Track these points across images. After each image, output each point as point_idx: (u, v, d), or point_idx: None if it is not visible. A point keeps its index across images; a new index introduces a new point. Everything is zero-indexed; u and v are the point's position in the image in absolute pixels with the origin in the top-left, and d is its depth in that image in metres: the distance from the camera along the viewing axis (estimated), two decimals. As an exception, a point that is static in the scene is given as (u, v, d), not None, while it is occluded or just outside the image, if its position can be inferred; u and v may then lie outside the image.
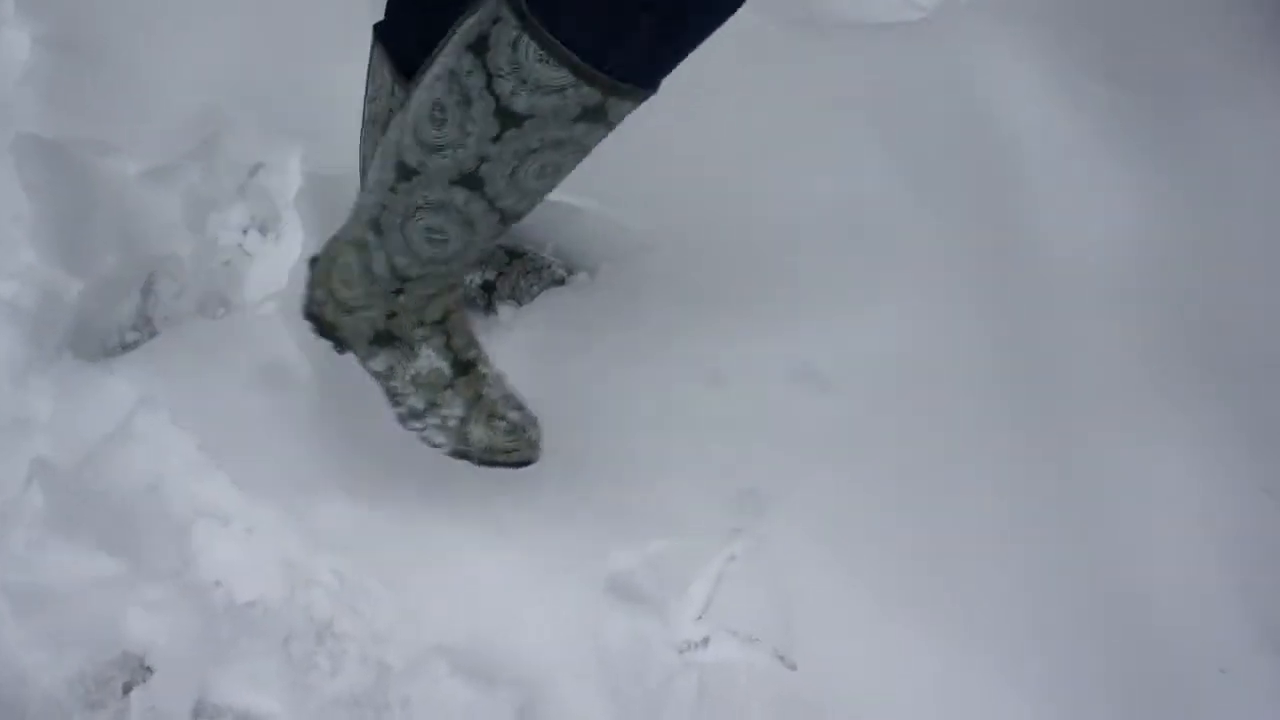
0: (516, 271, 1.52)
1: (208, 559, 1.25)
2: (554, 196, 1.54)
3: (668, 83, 0.88)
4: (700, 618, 1.24)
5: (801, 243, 1.50)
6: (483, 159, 0.90)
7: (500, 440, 1.13)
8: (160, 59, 1.54)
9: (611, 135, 0.91)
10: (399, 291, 1.04)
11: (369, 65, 1.20)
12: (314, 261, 1.11)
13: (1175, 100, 1.42)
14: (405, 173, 0.95)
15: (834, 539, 1.24)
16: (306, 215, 1.53)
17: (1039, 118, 1.45)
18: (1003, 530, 1.24)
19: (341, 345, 1.12)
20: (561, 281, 1.52)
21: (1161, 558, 1.21)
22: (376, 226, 1.00)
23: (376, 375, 1.12)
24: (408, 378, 1.10)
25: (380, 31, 1.16)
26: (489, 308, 1.50)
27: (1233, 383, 1.35)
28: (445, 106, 0.90)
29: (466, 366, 1.11)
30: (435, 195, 0.94)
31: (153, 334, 1.45)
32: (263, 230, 1.58)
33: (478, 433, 1.12)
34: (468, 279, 1.45)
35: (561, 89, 0.85)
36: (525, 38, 0.84)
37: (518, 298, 1.51)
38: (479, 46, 0.87)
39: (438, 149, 0.92)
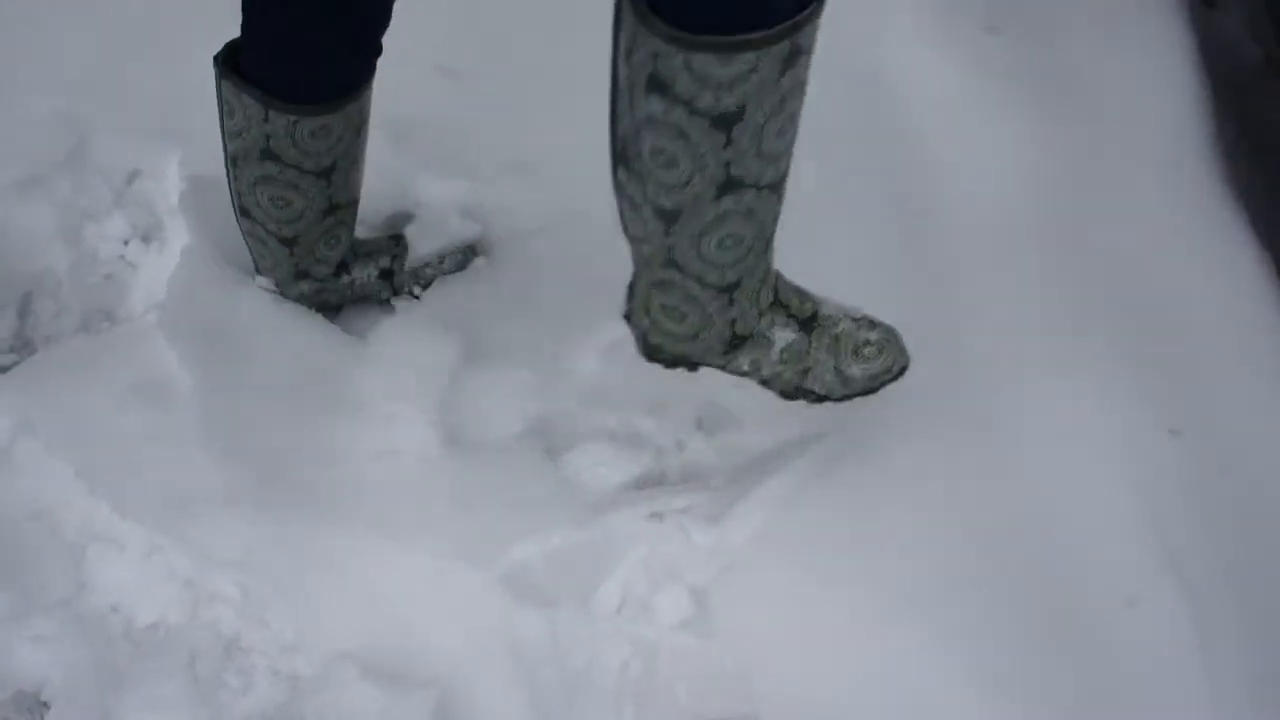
0: (413, 258, 1.49)
1: (101, 585, 1.21)
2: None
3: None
4: (618, 606, 1.22)
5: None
6: (727, 164, 0.90)
7: (876, 366, 1.14)
8: (14, 63, 1.46)
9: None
10: (731, 301, 1.03)
11: (220, 100, 1.19)
12: (629, 317, 1.16)
13: (1052, 45, 1.43)
14: (669, 217, 0.96)
15: (749, 513, 1.22)
16: (191, 220, 1.48)
17: (924, 66, 1.44)
18: (910, 472, 1.23)
19: (695, 367, 1.15)
20: (461, 267, 1.50)
21: (1067, 495, 1.20)
22: (674, 264, 1.01)
23: (743, 375, 1.14)
24: (773, 363, 1.11)
25: (233, 65, 1.15)
26: (387, 301, 1.47)
27: (1134, 320, 1.35)
28: (665, 150, 0.91)
29: (810, 321, 1.11)
30: (708, 215, 0.94)
31: (31, 354, 1.39)
32: (145, 239, 1.52)
33: (854, 370, 1.13)
34: (365, 273, 1.43)
35: (753, 68, 0.84)
36: (692, 55, 0.84)
37: (419, 283, 1.48)
38: (658, 86, 0.87)
39: (684, 184, 0.92)
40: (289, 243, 1.29)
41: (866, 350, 1.14)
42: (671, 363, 1.15)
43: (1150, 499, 1.21)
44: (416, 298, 1.47)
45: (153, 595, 1.22)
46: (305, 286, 1.38)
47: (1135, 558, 1.17)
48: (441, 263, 1.50)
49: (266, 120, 1.16)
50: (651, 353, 1.16)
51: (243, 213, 1.29)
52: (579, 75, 1.57)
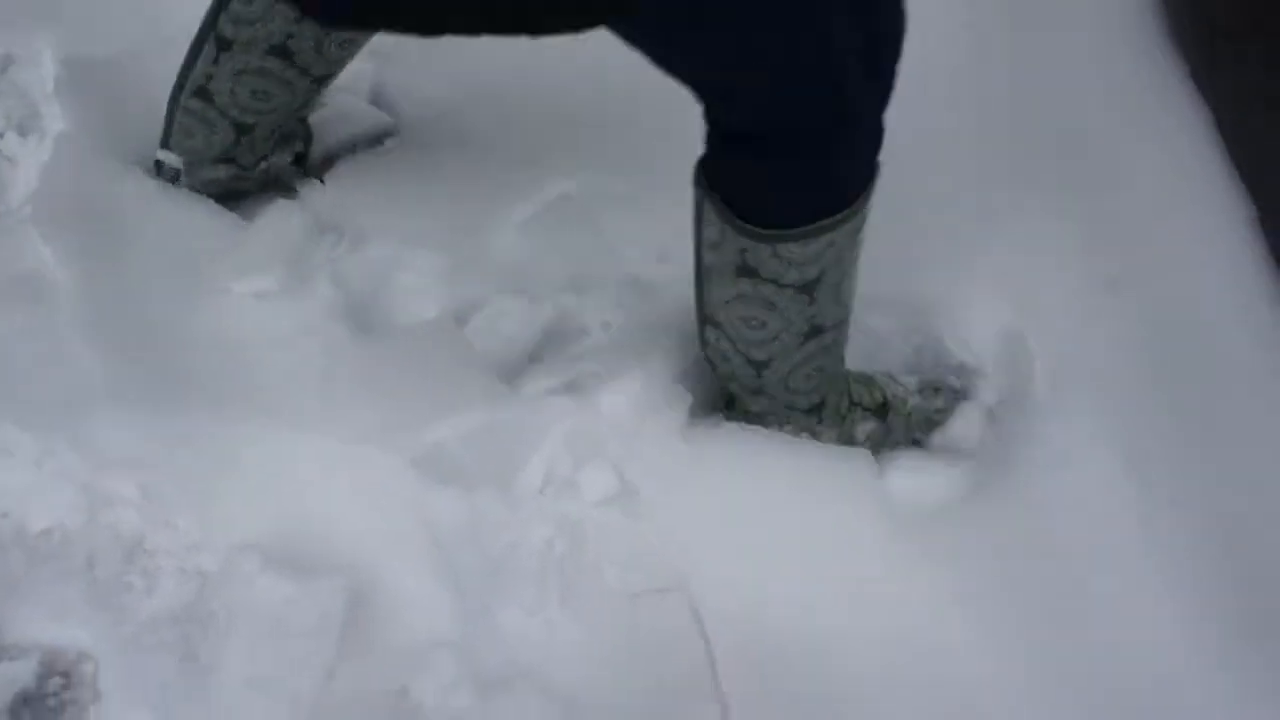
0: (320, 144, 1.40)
1: (-12, 492, 1.13)
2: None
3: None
4: (541, 485, 1.17)
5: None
6: (811, 318, 1.02)
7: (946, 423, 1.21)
8: None
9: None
10: (820, 419, 1.15)
11: None
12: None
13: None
14: (760, 365, 1.08)
15: (674, 388, 1.18)
16: (69, 107, 1.37)
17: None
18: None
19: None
20: (378, 143, 1.42)
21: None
22: (764, 394, 1.12)
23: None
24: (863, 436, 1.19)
25: None
26: (292, 188, 1.38)
27: (1071, 173, 1.29)
28: (755, 317, 1.02)
29: (883, 408, 1.19)
30: (795, 359, 1.06)
31: (-99, 257, 1.29)
32: (21, 131, 1.41)
33: (933, 437, 1.21)
34: (280, 158, 1.34)
35: (831, 242, 0.95)
36: (778, 246, 0.94)
37: (327, 168, 1.39)
38: (746, 271, 0.98)
39: (773, 340, 1.04)
40: (245, 130, 1.24)
41: (937, 416, 1.21)
42: None
43: (1087, 353, 1.18)
44: (322, 182, 1.38)
45: (46, 500, 1.14)
46: (222, 171, 1.30)
47: (1072, 416, 1.14)
48: (352, 149, 1.41)
49: (299, 20, 1.11)
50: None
51: (199, 94, 1.21)
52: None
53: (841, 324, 1.06)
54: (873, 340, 1.27)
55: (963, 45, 1.35)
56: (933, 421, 1.20)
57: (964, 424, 1.17)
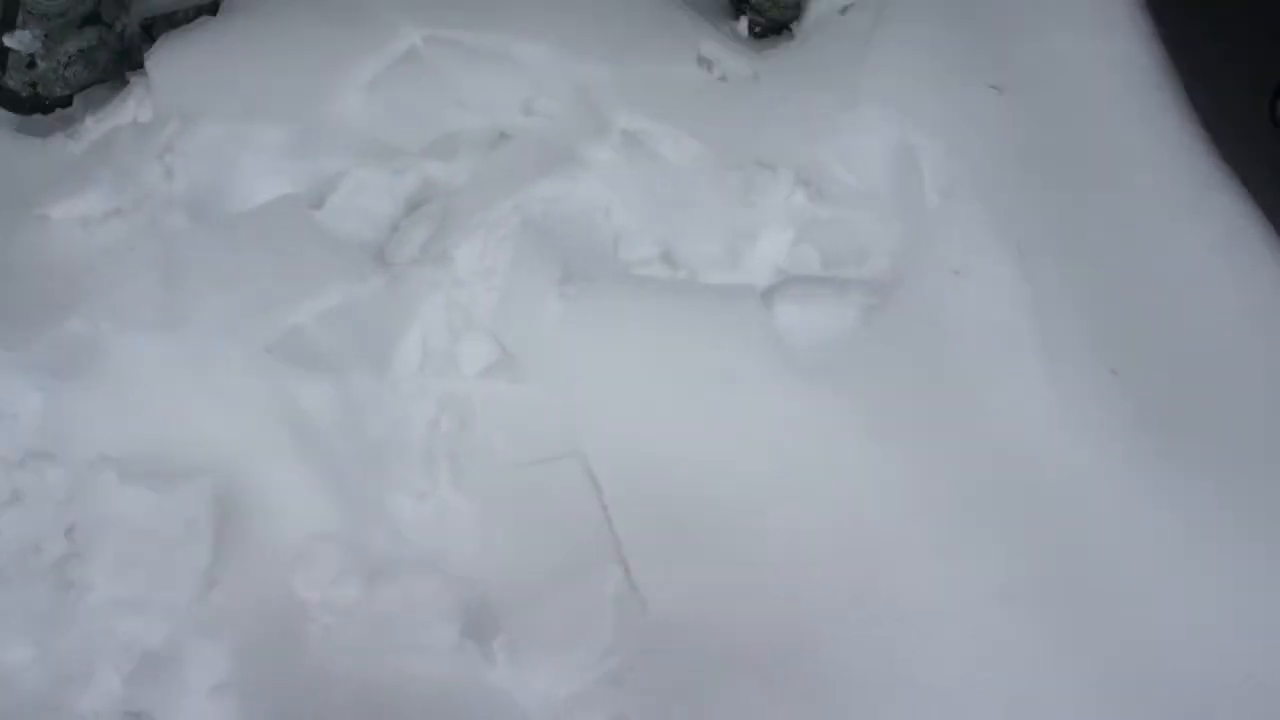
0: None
1: None
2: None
3: None
4: (420, 363, 1.11)
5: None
6: None
7: None
8: None
9: None
10: None
11: None
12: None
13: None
14: None
15: (535, 248, 1.10)
16: None
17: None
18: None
19: None
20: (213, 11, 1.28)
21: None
22: None
23: None
24: None
25: None
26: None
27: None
28: None
29: None
30: None
31: None
32: None
33: None
34: (131, 21, 1.24)
35: None
36: None
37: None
38: None
39: None
40: None
41: None
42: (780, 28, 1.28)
43: (974, 160, 1.11)
44: (142, 67, 1.25)
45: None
46: (90, 36, 1.19)
47: (962, 225, 1.09)
48: (175, 16, 1.27)
49: None
50: (756, 30, 1.27)
51: None
52: None
53: None
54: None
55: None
56: None
57: (859, 266, 1.10)
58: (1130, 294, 1.03)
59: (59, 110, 1.26)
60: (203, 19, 1.27)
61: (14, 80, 1.18)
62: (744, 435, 1.01)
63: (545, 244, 1.11)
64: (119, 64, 1.24)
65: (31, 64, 1.17)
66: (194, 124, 1.18)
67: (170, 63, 1.21)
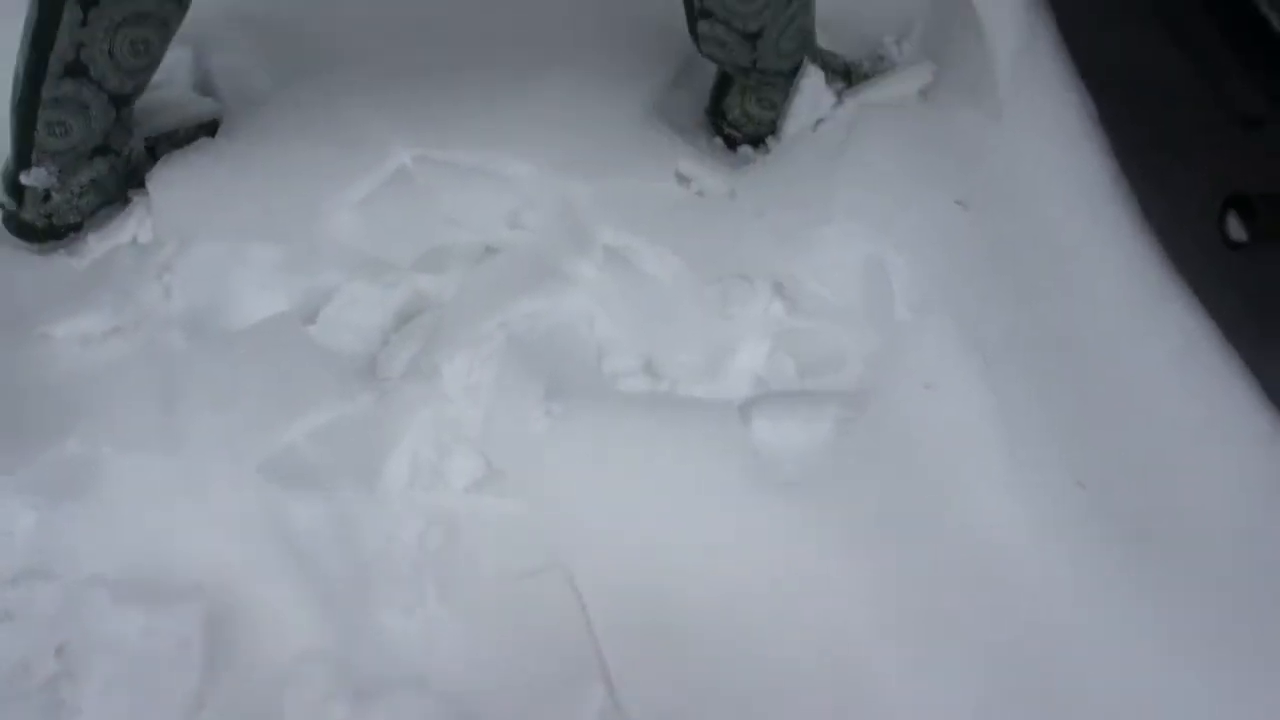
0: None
1: None
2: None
3: None
4: (409, 478, 1.13)
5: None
6: None
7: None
8: None
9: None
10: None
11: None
12: (721, 117, 1.35)
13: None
14: (753, 37, 1.21)
15: (521, 365, 1.14)
16: None
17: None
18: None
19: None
20: (208, 132, 1.35)
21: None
22: (759, 71, 1.26)
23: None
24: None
25: None
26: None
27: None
28: None
29: (848, 73, 1.34)
30: (782, 19, 1.21)
31: None
32: None
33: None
34: (136, 144, 1.29)
35: None
36: None
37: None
38: None
39: (764, 7, 1.19)
40: (123, 101, 1.20)
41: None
42: (756, 141, 1.36)
43: (943, 274, 1.16)
44: (143, 186, 1.30)
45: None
46: (100, 166, 1.23)
47: (932, 338, 1.13)
48: (176, 135, 1.34)
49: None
50: (732, 140, 1.37)
51: (70, 72, 1.13)
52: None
53: None
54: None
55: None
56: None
57: (834, 375, 1.14)
58: (1092, 406, 1.07)
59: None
60: (202, 139, 1.33)
61: (30, 214, 1.23)
62: (724, 549, 1.04)
63: (530, 360, 1.15)
64: (126, 185, 1.30)
65: (47, 197, 1.22)
66: (192, 243, 1.23)
67: (170, 184, 1.27)
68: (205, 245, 1.22)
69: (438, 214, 1.26)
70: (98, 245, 1.26)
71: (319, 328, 1.21)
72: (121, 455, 1.06)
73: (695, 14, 1.21)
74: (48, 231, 1.25)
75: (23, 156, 1.20)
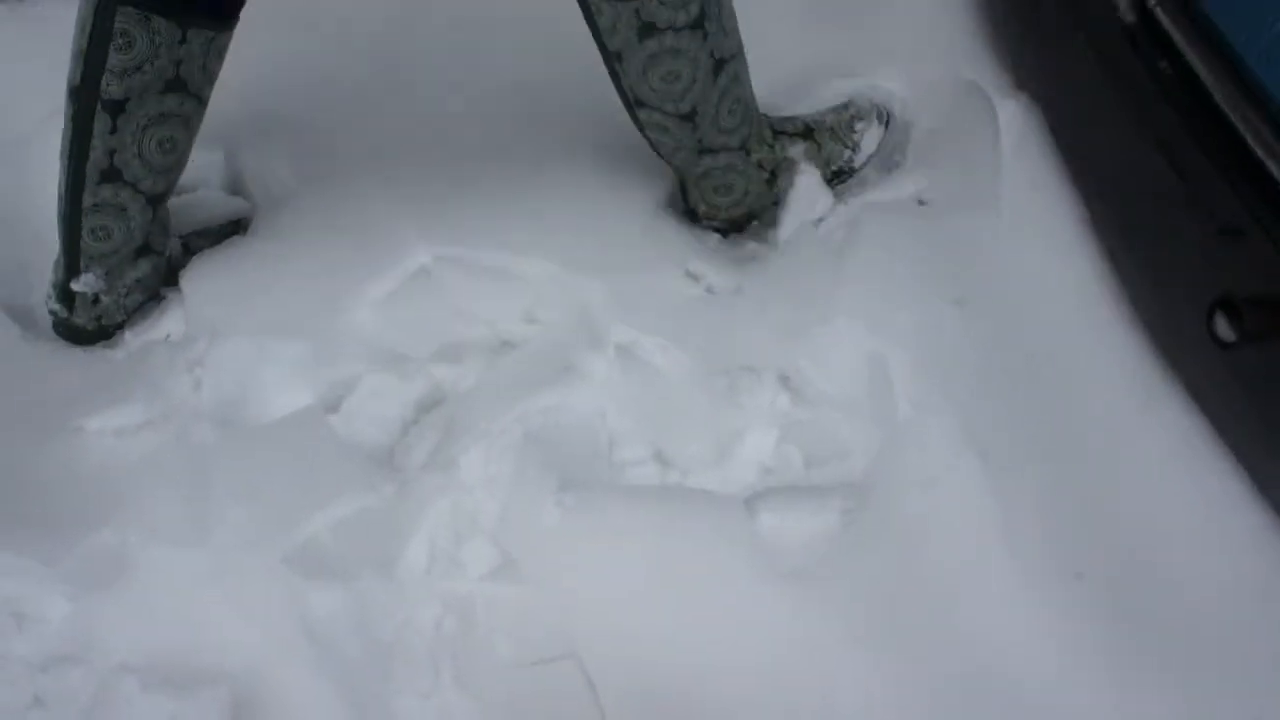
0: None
1: None
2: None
3: None
4: (426, 565, 1.17)
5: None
6: (710, 51, 1.18)
7: (870, 124, 1.41)
8: None
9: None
10: (749, 152, 1.30)
11: (103, 36, 1.10)
12: (693, 213, 1.39)
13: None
14: (689, 116, 1.23)
15: (536, 456, 1.18)
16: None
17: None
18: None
19: (750, 221, 1.38)
20: (238, 231, 1.42)
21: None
22: (708, 151, 1.27)
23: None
24: (808, 169, 1.36)
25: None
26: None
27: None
28: (670, 71, 1.17)
29: (808, 131, 1.38)
30: (714, 97, 1.22)
31: None
32: None
33: (859, 138, 1.40)
34: (173, 243, 1.36)
35: None
36: None
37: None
38: (647, 31, 1.14)
39: (691, 86, 1.20)
40: (158, 200, 1.26)
41: (857, 125, 1.40)
42: (739, 226, 1.39)
43: (943, 371, 1.20)
44: (177, 285, 1.37)
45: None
46: (144, 266, 1.30)
47: (932, 436, 1.17)
48: (210, 232, 1.41)
49: (184, 42, 1.13)
50: (722, 231, 1.40)
51: (106, 178, 1.19)
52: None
53: (738, 54, 1.23)
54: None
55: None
56: (854, 127, 1.39)
57: (838, 466, 1.19)
58: (1091, 503, 1.10)
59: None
60: (234, 237, 1.40)
61: (81, 318, 1.30)
62: (731, 640, 1.07)
63: (545, 452, 1.19)
64: (165, 282, 1.37)
65: (96, 300, 1.29)
66: (222, 339, 1.28)
67: (203, 283, 1.33)
68: (235, 341, 1.27)
69: (455, 310, 1.32)
70: (133, 340, 1.34)
71: (341, 418, 1.26)
72: (152, 546, 1.11)
73: (631, 105, 1.23)
74: (97, 333, 1.32)
75: (72, 265, 1.27)
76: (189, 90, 1.17)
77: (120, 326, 1.33)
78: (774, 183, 1.34)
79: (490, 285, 1.31)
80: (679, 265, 1.32)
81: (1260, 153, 1.03)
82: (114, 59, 1.11)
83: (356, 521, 1.16)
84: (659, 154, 1.30)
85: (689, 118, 1.22)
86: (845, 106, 1.40)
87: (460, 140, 1.44)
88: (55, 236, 1.35)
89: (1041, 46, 1.42)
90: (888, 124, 1.41)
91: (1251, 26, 1.02)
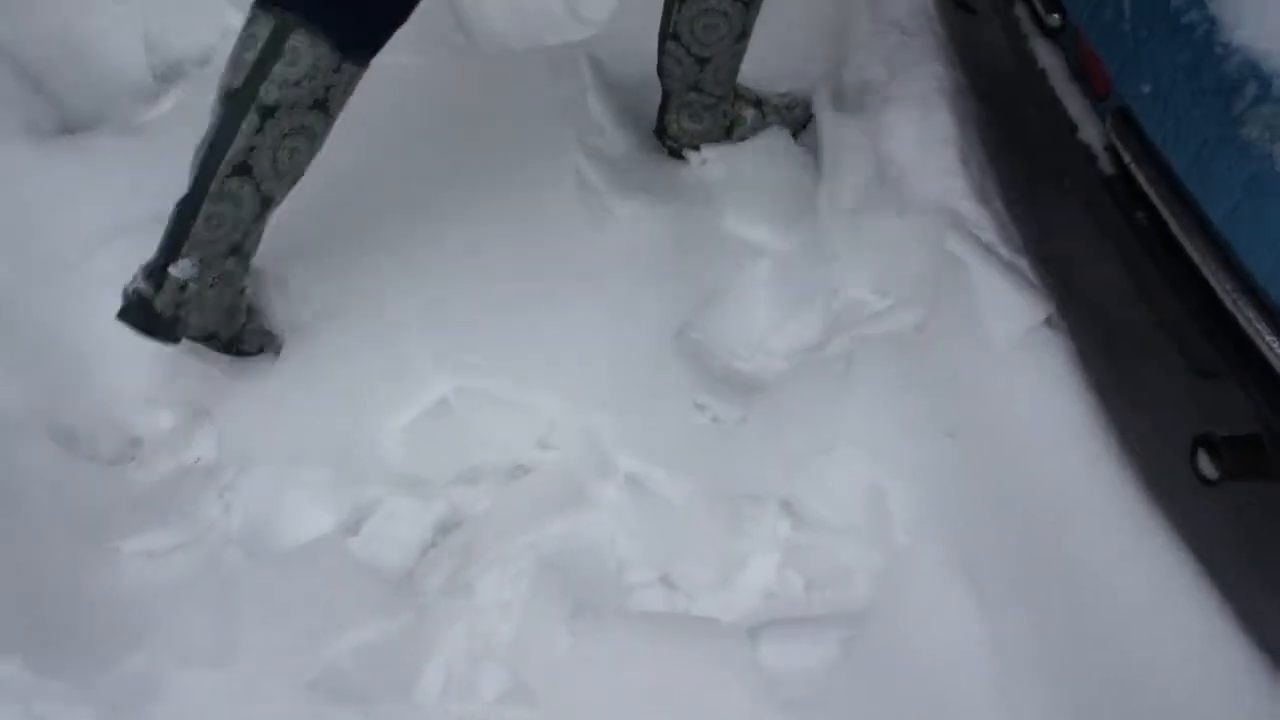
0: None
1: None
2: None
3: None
4: (442, 689, 1.21)
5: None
6: (744, 22, 1.56)
7: (799, 111, 1.76)
8: None
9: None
10: (723, 100, 1.68)
11: (276, 47, 1.29)
12: (660, 132, 1.72)
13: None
14: (704, 61, 1.59)
15: (551, 583, 1.24)
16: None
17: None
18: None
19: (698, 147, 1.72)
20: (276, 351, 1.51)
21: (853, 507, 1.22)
22: (698, 89, 1.64)
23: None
24: (748, 130, 1.73)
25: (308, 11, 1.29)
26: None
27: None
28: (712, 24, 1.55)
29: (759, 103, 1.74)
30: (728, 55, 1.61)
31: None
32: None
33: (791, 114, 1.75)
34: (251, 267, 1.48)
35: None
36: None
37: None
38: None
39: (718, 40, 1.57)
40: (268, 204, 1.39)
41: (796, 110, 1.76)
42: (689, 146, 1.72)
43: (936, 503, 1.25)
44: None
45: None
46: (231, 263, 1.41)
47: (929, 568, 1.21)
48: (255, 332, 1.50)
49: (337, 71, 1.33)
50: (675, 150, 1.73)
51: (239, 171, 1.33)
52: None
53: (749, 32, 1.58)
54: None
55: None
56: (792, 110, 1.74)
57: (838, 592, 1.24)
58: (1082, 638, 1.13)
59: (130, 441, 1.45)
60: (267, 357, 1.49)
61: (163, 302, 1.36)
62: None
63: (557, 577, 1.25)
64: (238, 299, 1.47)
65: (183, 288, 1.37)
66: (252, 464, 1.36)
67: (235, 408, 1.41)
68: (263, 466, 1.35)
69: (473, 436, 1.39)
70: (167, 460, 1.41)
71: (362, 540, 1.33)
72: (182, 670, 1.16)
73: (667, 37, 1.58)
74: (168, 324, 1.37)
75: (175, 248, 1.35)
76: (328, 112, 1.35)
77: (175, 339, 1.39)
78: (731, 130, 1.71)
79: (506, 414, 1.39)
80: (686, 396, 1.39)
81: (1228, 304, 1.09)
82: (279, 70, 1.30)
83: (376, 646, 1.21)
84: (660, 75, 1.65)
85: (704, 62, 1.58)
86: (786, 94, 1.78)
87: (476, 269, 1.52)
88: (93, 358, 1.45)
89: (1031, 188, 1.51)
90: (806, 124, 1.76)
91: (1218, 191, 1.09)
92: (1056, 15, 1.40)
